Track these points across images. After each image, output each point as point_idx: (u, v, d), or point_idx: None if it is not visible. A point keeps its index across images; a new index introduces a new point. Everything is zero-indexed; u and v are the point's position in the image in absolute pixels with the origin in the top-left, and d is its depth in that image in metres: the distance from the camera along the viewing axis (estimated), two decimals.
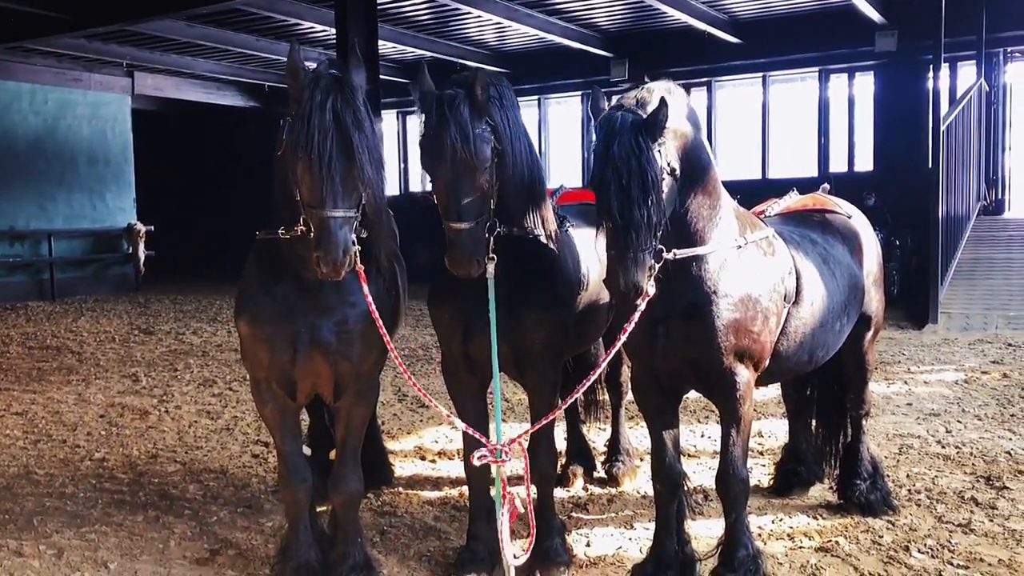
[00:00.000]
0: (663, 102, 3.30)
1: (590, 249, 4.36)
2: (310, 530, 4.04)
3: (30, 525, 4.86)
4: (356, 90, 3.44)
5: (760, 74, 16.46)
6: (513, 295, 3.82)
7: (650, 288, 3.39)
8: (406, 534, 4.66)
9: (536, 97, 18.86)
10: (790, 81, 16.70)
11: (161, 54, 17.20)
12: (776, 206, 4.62)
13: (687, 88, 17.66)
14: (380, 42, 10.99)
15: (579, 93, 18.34)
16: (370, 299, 3.61)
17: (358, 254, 3.45)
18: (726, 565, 3.85)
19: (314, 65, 3.56)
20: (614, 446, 5.57)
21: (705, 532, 4.56)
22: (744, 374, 3.75)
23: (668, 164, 3.38)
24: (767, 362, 3.91)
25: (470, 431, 3.81)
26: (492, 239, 3.67)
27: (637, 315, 3.48)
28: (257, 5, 12.75)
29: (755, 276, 3.76)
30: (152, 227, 18.50)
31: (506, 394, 7.39)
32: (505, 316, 3.77)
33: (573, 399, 4.10)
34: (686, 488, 4.11)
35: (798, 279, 4.02)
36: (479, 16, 14.02)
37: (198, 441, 6.62)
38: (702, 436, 6.50)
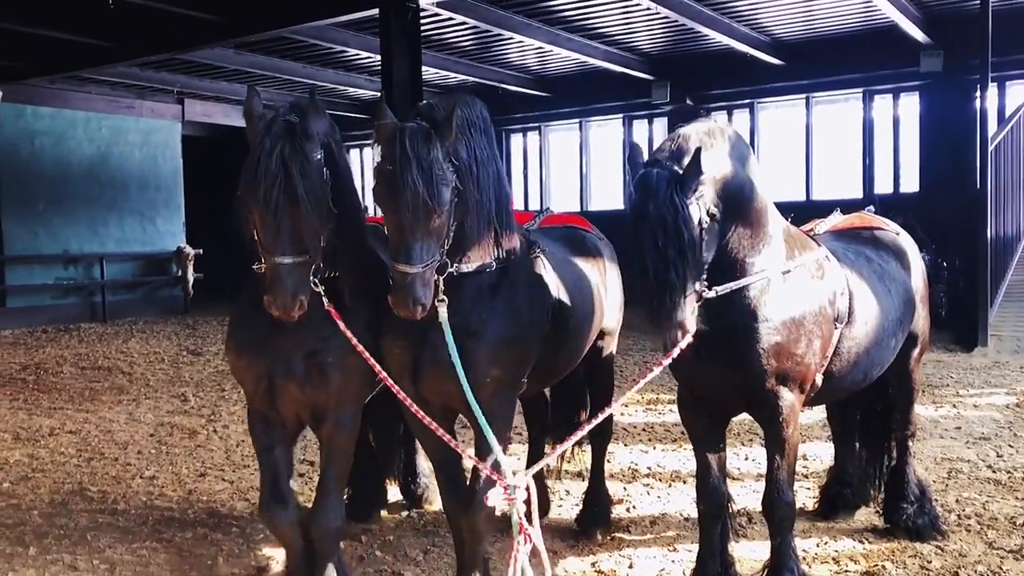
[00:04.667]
0: (698, 154, 3.25)
1: (567, 276, 4.22)
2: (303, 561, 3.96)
3: (84, 540, 4.98)
4: (309, 138, 3.41)
5: (803, 95, 16.35)
6: (466, 330, 3.58)
7: (692, 327, 3.36)
8: (448, 554, 4.69)
9: (577, 120, 18.93)
10: (834, 102, 16.57)
11: (211, 81, 17.61)
12: (822, 225, 4.62)
13: (729, 111, 17.37)
14: (423, 68, 11.14)
15: (620, 116, 18.36)
16: (349, 333, 3.60)
17: (325, 292, 3.54)
18: None
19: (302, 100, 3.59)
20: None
21: (749, 555, 4.52)
22: (788, 397, 3.73)
23: (708, 212, 3.36)
24: (816, 383, 3.91)
25: (484, 468, 3.62)
26: (442, 279, 3.48)
27: (676, 351, 3.42)
28: (304, 33, 13.01)
29: (800, 299, 3.75)
30: (200, 250, 18.82)
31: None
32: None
33: (581, 436, 3.95)
34: (730, 510, 4.09)
35: (851, 299, 4.01)
36: (520, 41, 14.15)
37: (245, 460, 6.72)
38: (746, 459, 6.46)
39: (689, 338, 3.39)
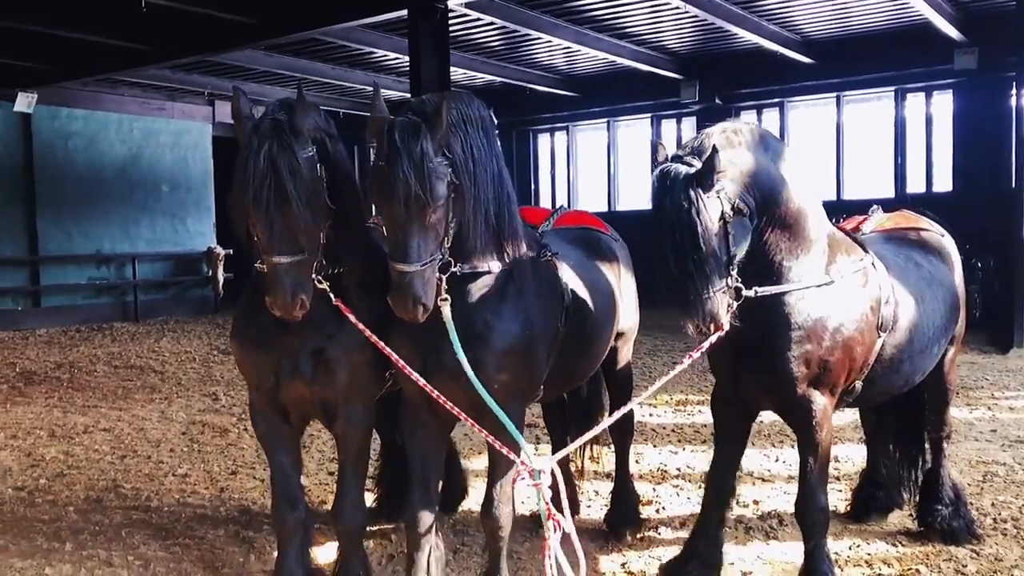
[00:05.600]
0: (715, 151, 3.29)
1: (584, 279, 4.14)
2: (299, 561, 3.94)
3: (118, 536, 5.05)
4: (297, 134, 3.35)
5: (834, 94, 16.20)
6: (471, 334, 3.47)
7: (726, 323, 3.39)
8: (478, 552, 4.69)
9: (605, 120, 18.89)
10: (865, 101, 16.40)
11: (241, 83, 17.76)
12: (868, 224, 4.58)
13: (758, 110, 17.16)
14: (451, 68, 11.17)
15: (648, 116, 18.31)
16: (361, 326, 3.56)
17: (330, 288, 3.52)
18: None
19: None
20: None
21: (780, 557, 4.50)
22: (820, 401, 3.72)
23: (732, 206, 3.37)
24: (856, 388, 3.94)
25: (507, 452, 3.51)
26: (445, 279, 3.39)
27: (706, 346, 3.45)
28: (334, 35, 13.10)
29: (838, 306, 3.73)
30: (231, 251, 18.96)
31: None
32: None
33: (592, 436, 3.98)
34: (731, 506, 4.11)
35: (896, 307, 3.98)
36: (549, 41, 14.14)
37: None
38: (776, 460, 6.40)
39: (721, 333, 3.40)
